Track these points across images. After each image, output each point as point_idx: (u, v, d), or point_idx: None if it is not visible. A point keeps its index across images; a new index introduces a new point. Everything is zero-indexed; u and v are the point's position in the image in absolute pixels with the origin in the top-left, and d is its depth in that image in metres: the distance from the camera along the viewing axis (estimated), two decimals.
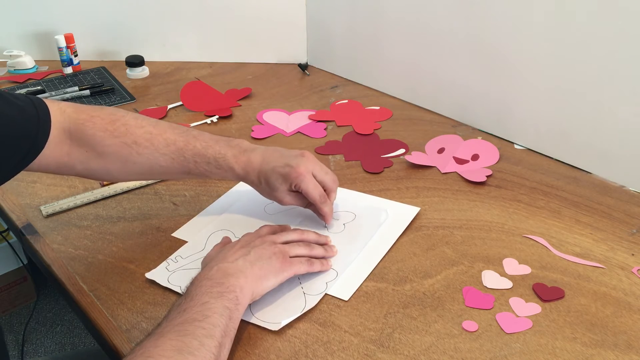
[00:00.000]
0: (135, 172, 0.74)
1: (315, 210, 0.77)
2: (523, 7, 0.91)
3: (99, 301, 0.68)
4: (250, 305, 0.64)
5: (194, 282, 0.60)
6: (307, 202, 0.76)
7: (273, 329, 0.62)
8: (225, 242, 0.73)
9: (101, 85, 1.23)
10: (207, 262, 0.66)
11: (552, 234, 0.78)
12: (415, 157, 0.96)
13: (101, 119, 0.72)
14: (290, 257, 0.67)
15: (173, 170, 0.74)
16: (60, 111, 0.70)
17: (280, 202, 0.76)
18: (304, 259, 0.68)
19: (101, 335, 0.64)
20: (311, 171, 0.74)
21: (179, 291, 0.67)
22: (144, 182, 0.89)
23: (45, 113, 0.69)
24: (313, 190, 0.74)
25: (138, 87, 1.27)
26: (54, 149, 0.69)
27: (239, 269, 0.62)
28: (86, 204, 0.85)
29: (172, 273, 0.71)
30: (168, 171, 0.74)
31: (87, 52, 1.38)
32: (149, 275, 0.70)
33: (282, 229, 0.74)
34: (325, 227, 0.78)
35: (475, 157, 0.96)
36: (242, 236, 0.71)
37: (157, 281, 0.69)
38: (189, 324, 0.54)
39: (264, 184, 0.74)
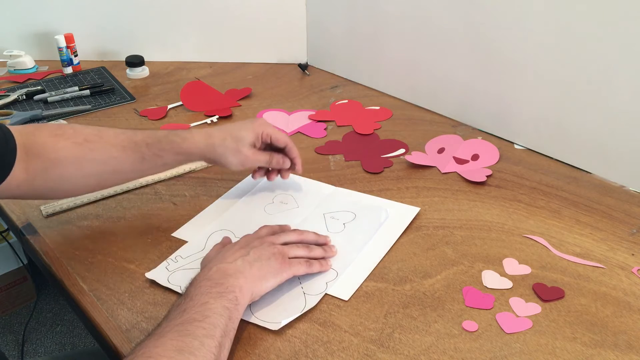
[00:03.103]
0: (92, 173, 0.73)
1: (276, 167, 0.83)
2: (523, 6, 0.91)
3: (99, 301, 0.68)
4: (250, 304, 0.64)
5: (193, 283, 0.61)
6: (268, 155, 0.81)
7: (273, 329, 0.62)
8: (225, 242, 0.73)
9: (101, 85, 1.23)
10: (206, 263, 0.66)
11: (552, 234, 0.78)
12: (415, 157, 0.96)
13: (48, 127, 0.73)
14: (290, 258, 0.67)
15: (127, 160, 0.74)
16: (15, 131, 0.70)
17: (246, 156, 0.78)
18: (302, 260, 0.68)
19: (101, 335, 0.64)
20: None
21: (179, 291, 0.67)
22: (143, 182, 0.89)
23: (9, 133, 0.69)
24: (280, 133, 0.81)
25: (138, 87, 1.27)
26: (15, 167, 0.68)
27: (238, 270, 0.62)
28: (86, 204, 0.85)
29: (172, 273, 0.71)
30: (122, 162, 0.74)
31: (87, 52, 1.38)
32: (149, 275, 0.70)
33: (282, 229, 0.74)
34: (326, 227, 0.78)
35: (475, 157, 0.96)
36: (241, 237, 0.71)
37: (157, 281, 0.69)
38: (189, 324, 0.54)
39: (229, 139, 0.77)
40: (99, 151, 0.72)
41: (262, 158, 0.80)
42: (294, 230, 0.74)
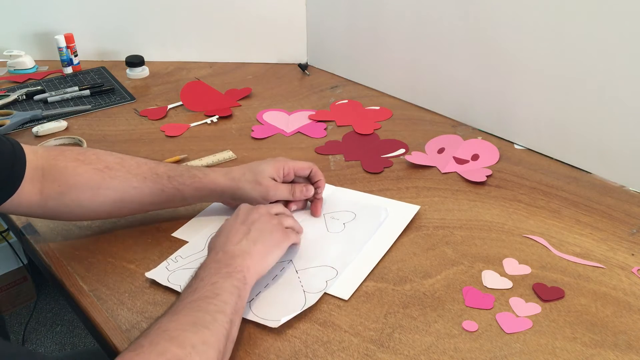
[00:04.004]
0: (108, 201, 0.73)
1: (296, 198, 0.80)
2: (523, 6, 0.91)
3: (99, 301, 0.68)
4: (249, 302, 0.65)
5: (202, 266, 0.63)
6: (289, 187, 0.78)
7: (272, 326, 0.62)
8: None
9: (101, 85, 1.23)
10: (212, 246, 0.67)
11: (552, 234, 0.78)
12: (415, 157, 0.96)
13: (71, 151, 0.73)
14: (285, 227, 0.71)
15: (146, 191, 0.74)
16: (33, 152, 0.70)
17: (266, 188, 0.76)
18: (293, 230, 0.72)
19: (101, 335, 0.64)
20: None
21: (179, 290, 0.67)
22: None
23: (20, 151, 0.69)
24: (303, 162, 0.80)
25: (138, 87, 1.27)
26: (26, 188, 0.68)
27: (243, 250, 0.64)
28: None
29: (172, 272, 0.71)
30: (141, 193, 0.74)
31: (87, 52, 1.38)
32: (148, 274, 0.70)
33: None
34: (326, 227, 0.78)
35: (475, 157, 0.96)
36: (240, 209, 0.71)
37: (157, 280, 0.69)
38: (201, 301, 0.57)
39: (248, 173, 0.76)
40: (119, 179, 0.72)
41: (284, 189, 0.78)
42: (279, 204, 0.77)
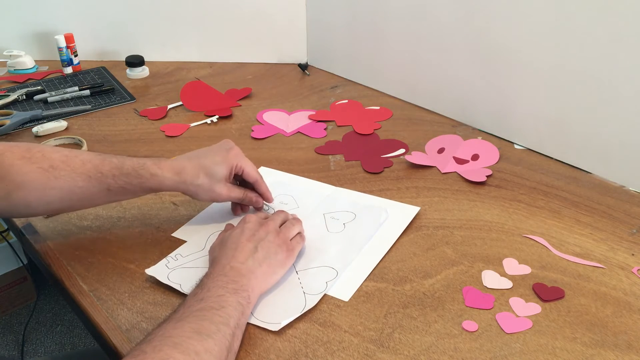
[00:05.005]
0: (55, 200, 0.71)
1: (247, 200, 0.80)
2: (524, 6, 0.91)
3: (99, 301, 0.68)
4: None
5: (209, 276, 0.63)
6: (242, 193, 0.78)
7: (273, 329, 0.62)
8: (229, 229, 0.73)
9: (101, 85, 1.23)
10: (215, 255, 0.68)
11: (552, 234, 0.78)
12: (415, 157, 0.96)
13: (18, 147, 0.71)
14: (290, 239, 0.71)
15: (92, 190, 0.72)
16: None
17: (219, 195, 0.76)
18: (297, 237, 0.72)
19: (101, 335, 0.65)
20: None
21: (179, 289, 0.68)
22: None
23: None
24: (253, 169, 0.79)
25: (138, 87, 1.27)
26: None
27: (249, 270, 0.64)
28: None
29: (172, 270, 0.71)
30: (87, 192, 0.72)
31: (87, 52, 1.38)
32: (148, 271, 0.70)
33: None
34: (326, 227, 0.78)
35: (475, 157, 0.96)
36: (245, 222, 0.71)
37: (157, 277, 0.69)
38: (206, 310, 0.57)
39: (202, 176, 0.74)
40: (63, 179, 0.71)
41: (235, 196, 0.78)
42: (280, 211, 0.77)
